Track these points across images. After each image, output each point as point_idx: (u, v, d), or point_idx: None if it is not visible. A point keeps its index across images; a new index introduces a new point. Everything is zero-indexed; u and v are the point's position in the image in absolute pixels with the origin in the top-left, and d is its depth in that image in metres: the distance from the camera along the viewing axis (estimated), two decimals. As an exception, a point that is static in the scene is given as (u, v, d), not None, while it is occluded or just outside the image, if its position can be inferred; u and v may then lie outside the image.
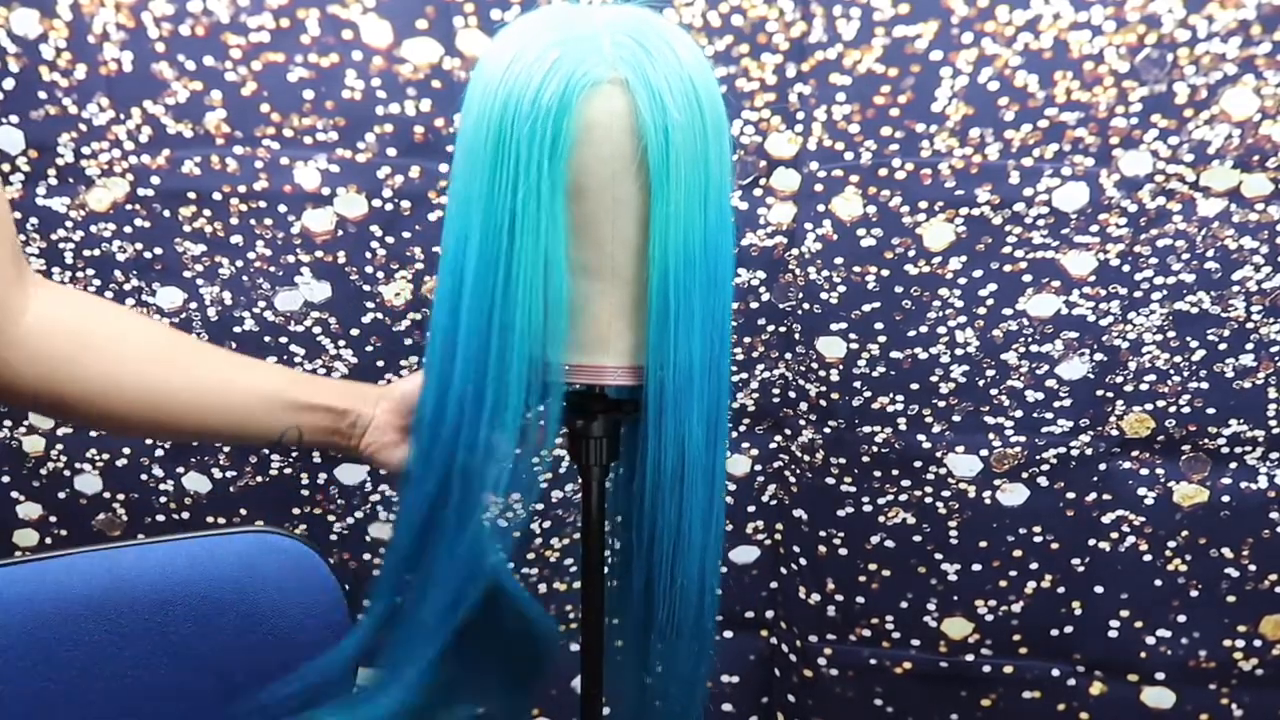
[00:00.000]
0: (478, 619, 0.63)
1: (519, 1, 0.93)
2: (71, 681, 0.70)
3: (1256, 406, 0.96)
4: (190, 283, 0.99)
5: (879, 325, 0.99)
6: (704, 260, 0.57)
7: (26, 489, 1.05)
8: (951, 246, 0.96)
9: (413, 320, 1.01)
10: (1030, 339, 0.97)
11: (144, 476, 1.05)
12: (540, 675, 0.75)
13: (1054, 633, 1.05)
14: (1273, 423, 0.97)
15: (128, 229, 0.97)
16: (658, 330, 0.57)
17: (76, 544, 0.88)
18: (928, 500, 1.03)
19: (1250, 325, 0.94)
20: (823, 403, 1.02)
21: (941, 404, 1.00)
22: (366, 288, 1.00)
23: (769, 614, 1.14)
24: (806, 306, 1.00)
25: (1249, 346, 0.95)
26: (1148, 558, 1.02)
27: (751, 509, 1.10)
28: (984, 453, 1.01)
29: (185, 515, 1.06)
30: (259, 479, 1.05)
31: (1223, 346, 0.95)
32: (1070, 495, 1.01)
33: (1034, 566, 1.03)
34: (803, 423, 1.04)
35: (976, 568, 1.04)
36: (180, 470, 1.05)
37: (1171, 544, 1.01)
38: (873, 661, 1.09)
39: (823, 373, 1.01)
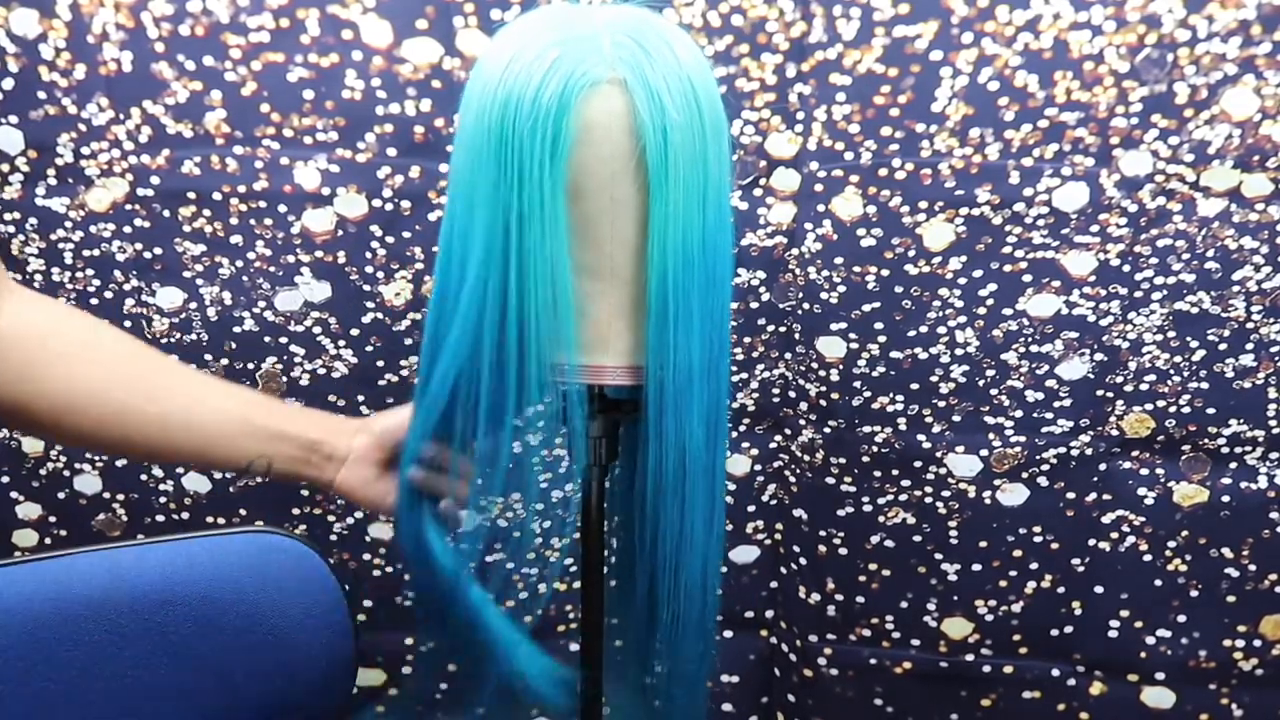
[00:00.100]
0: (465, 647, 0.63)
1: (519, 1, 0.93)
2: (71, 681, 0.70)
3: (1256, 406, 0.96)
4: (190, 283, 0.99)
5: (879, 325, 0.99)
6: (703, 260, 0.57)
7: (26, 489, 1.05)
8: (951, 246, 0.96)
9: (413, 320, 1.01)
10: (1030, 339, 0.97)
11: (144, 476, 1.05)
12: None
13: (1054, 633, 1.05)
14: (1273, 423, 0.96)
15: (127, 229, 0.97)
16: (657, 330, 0.57)
17: (76, 544, 0.87)
18: (928, 500, 1.03)
19: (1250, 325, 0.94)
20: (823, 403, 1.02)
21: (941, 404, 1.00)
22: (366, 288, 1.00)
23: (769, 614, 1.14)
24: (806, 306, 1.00)
25: (1249, 346, 0.95)
26: (1148, 558, 1.02)
27: (751, 509, 1.10)
28: (984, 453, 1.00)
29: (185, 515, 1.06)
30: (259, 479, 1.05)
31: (1223, 346, 0.95)
32: (1070, 495, 1.01)
33: (1034, 566, 1.03)
34: (803, 423, 1.04)
35: (976, 568, 1.04)
36: (180, 470, 1.05)
37: (1171, 544, 1.01)
38: (873, 661, 1.09)
39: (823, 373, 1.01)
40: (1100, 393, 0.98)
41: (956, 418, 1.00)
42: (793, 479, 1.07)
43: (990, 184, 0.93)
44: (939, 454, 1.01)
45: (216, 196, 0.97)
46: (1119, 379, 0.98)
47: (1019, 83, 0.91)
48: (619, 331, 0.59)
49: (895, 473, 1.03)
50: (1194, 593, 1.02)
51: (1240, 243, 0.92)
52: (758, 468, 1.08)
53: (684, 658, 0.66)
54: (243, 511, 1.06)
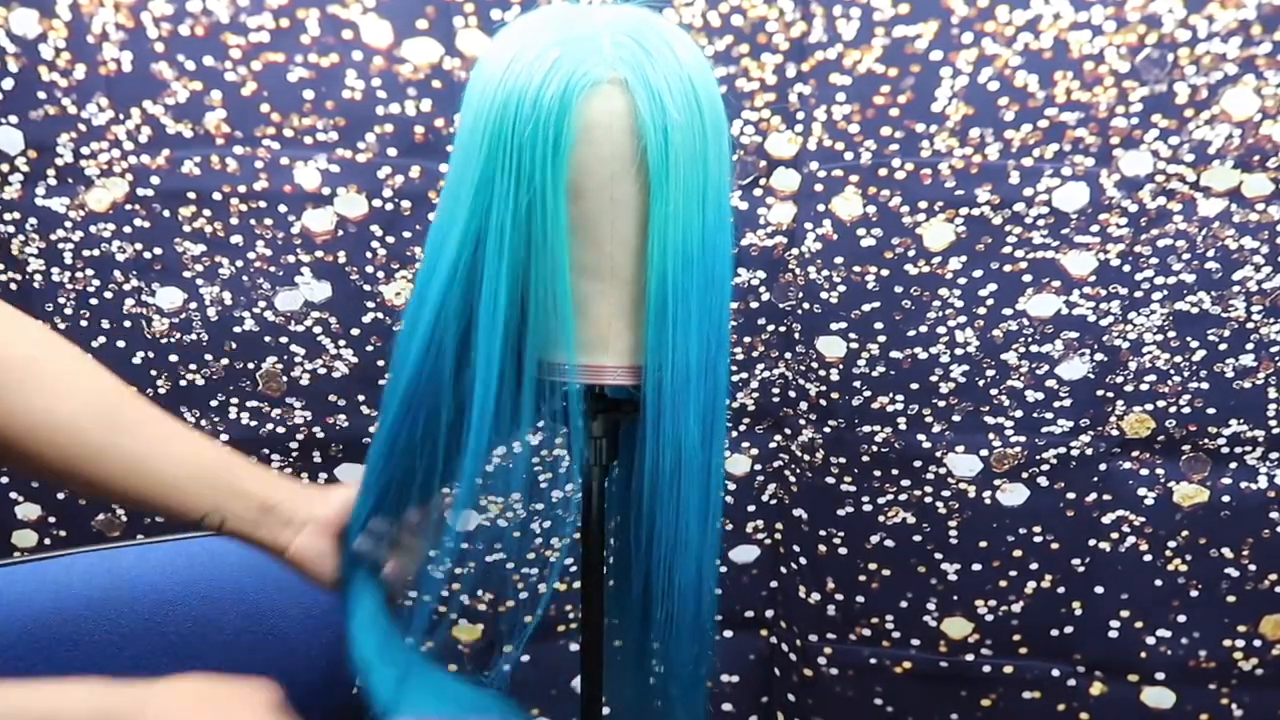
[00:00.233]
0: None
1: (519, 1, 0.93)
2: (71, 682, 0.70)
3: (1256, 406, 0.96)
4: (190, 283, 0.99)
5: (879, 325, 0.99)
6: (702, 260, 0.57)
7: (26, 489, 1.05)
8: (951, 246, 0.96)
9: (413, 320, 1.01)
10: (1030, 339, 0.97)
11: (144, 476, 1.05)
12: None
13: (1054, 633, 1.05)
14: (1273, 423, 0.96)
15: (127, 229, 0.97)
16: (655, 330, 0.57)
17: (76, 544, 0.88)
18: (928, 500, 1.03)
19: (1250, 325, 0.94)
20: (823, 402, 1.02)
21: (941, 404, 1.00)
22: (367, 287, 1.00)
23: (769, 613, 1.14)
24: (806, 306, 1.00)
25: (1249, 346, 0.95)
26: (1148, 558, 1.02)
27: (751, 508, 1.10)
28: (984, 453, 1.01)
29: (185, 515, 1.06)
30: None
31: (1223, 346, 0.95)
32: (1070, 495, 1.01)
33: (1034, 566, 1.03)
34: (803, 422, 1.04)
35: (976, 568, 1.04)
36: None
37: (1171, 544, 1.01)
38: (873, 661, 1.09)
39: (823, 372, 1.01)
40: (1100, 393, 0.98)
41: (956, 418, 1.00)
42: (793, 479, 1.07)
43: (990, 184, 0.93)
44: (939, 454, 1.01)
45: (216, 196, 0.97)
46: (1119, 379, 0.98)
47: (1019, 83, 0.91)
48: (619, 331, 0.59)
49: (895, 472, 1.03)
50: (1194, 593, 1.02)
51: (1240, 243, 0.92)
52: (758, 467, 1.08)
53: (681, 657, 0.66)
54: (243, 511, 1.06)
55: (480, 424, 0.57)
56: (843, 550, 1.06)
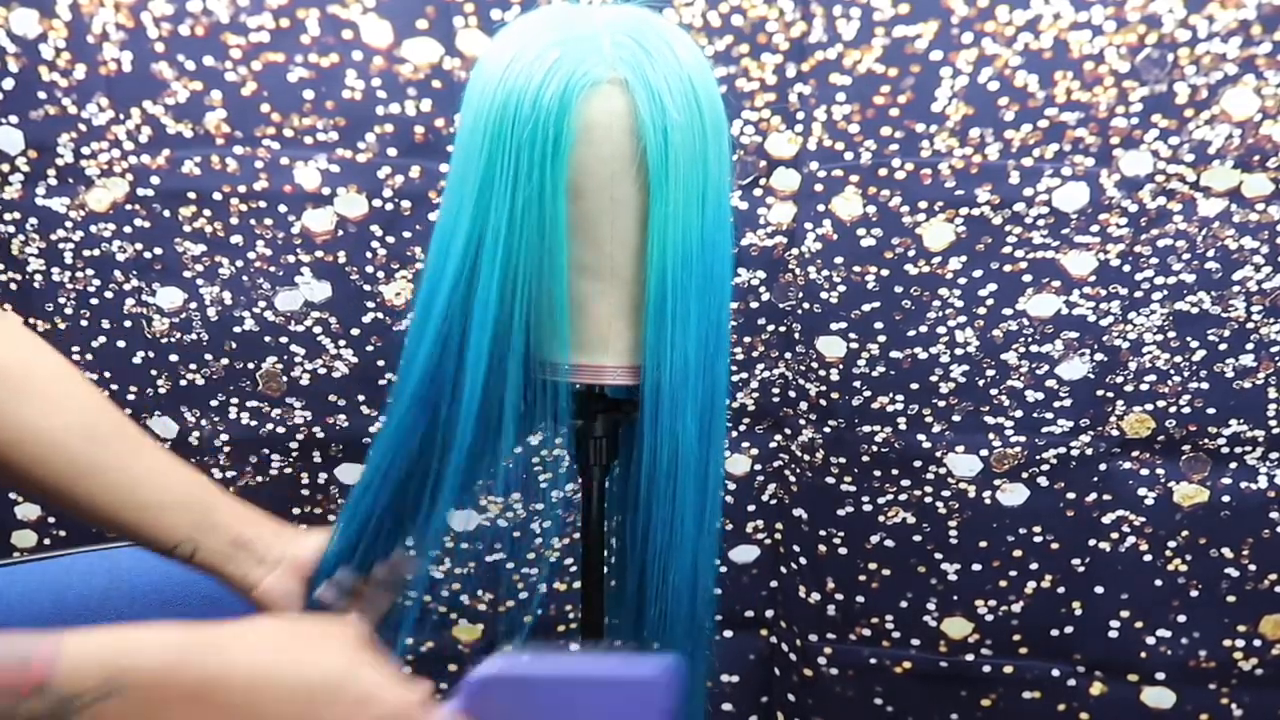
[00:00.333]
0: None
1: (519, 1, 0.93)
2: (71, 681, 0.70)
3: (1256, 406, 0.96)
4: (190, 283, 0.99)
5: (879, 325, 0.99)
6: (701, 260, 0.57)
7: (26, 489, 1.05)
8: (951, 246, 0.96)
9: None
10: (1030, 339, 0.97)
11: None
12: None
13: (1054, 633, 1.05)
14: (1273, 423, 0.96)
15: (127, 229, 0.97)
16: (654, 330, 0.57)
17: (76, 544, 0.88)
18: (928, 500, 1.03)
19: (1250, 325, 0.94)
20: (823, 402, 1.02)
21: (941, 404, 1.00)
22: (367, 287, 1.00)
23: (769, 613, 1.14)
24: (806, 306, 1.00)
25: (1249, 346, 0.95)
26: (1148, 558, 1.02)
27: (751, 508, 1.10)
28: (984, 453, 1.01)
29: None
30: (259, 479, 1.05)
31: (1223, 346, 0.95)
32: (1070, 495, 1.01)
33: (1034, 566, 1.03)
34: (803, 422, 1.04)
35: (976, 568, 1.04)
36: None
37: (1171, 544, 1.01)
38: (873, 661, 1.09)
39: (823, 372, 1.01)
40: (1100, 393, 0.98)
41: (956, 418, 1.00)
42: (793, 479, 1.07)
43: (990, 184, 0.93)
44: (939, 454, 1.01)
45: (216, 196, 0.97)
46: (1119, 379, 0.98)
47: (1019, 83, 0.91)
48: (619, 331, 0.59)
49: (895, 472, 1.03)
50: (1194, 593, 1.02)
51: (1240, 243, 0.92)
52: (758, 467, 1.08)
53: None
54: (243, 511, 1.06)
55: (466, 421, 0.57)
56: (843, 550, 1.06)
